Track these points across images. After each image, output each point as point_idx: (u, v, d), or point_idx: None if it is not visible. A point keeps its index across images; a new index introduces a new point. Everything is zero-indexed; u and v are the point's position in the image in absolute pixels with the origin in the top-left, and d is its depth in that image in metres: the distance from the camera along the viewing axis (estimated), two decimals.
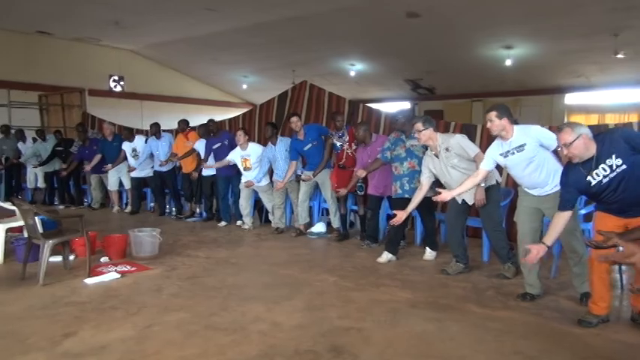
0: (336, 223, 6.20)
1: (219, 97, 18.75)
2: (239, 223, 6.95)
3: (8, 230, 5.09)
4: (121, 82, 16.59)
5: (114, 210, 8.48)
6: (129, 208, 8.32)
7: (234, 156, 6.60)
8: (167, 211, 8.10)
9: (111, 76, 16.37)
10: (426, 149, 4.56)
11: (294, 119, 6.10)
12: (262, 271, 4.83)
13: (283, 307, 3.65)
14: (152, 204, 8.49)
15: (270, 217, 6.85)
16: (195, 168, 7.30)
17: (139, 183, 8.18)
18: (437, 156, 4.37)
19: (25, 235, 4.80)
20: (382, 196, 5.52)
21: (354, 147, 5.83)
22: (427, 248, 5.13)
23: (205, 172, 7.16)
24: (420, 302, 3.77)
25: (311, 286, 4.21)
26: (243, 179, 6.60)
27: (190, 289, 4.12)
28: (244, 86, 17.39)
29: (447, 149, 4.29)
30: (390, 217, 5.87)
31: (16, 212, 5.12)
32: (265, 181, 6.56)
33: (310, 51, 13.36)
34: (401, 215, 4.41)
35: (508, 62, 11.29)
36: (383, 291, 4.05)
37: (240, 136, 6.48)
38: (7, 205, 5.32)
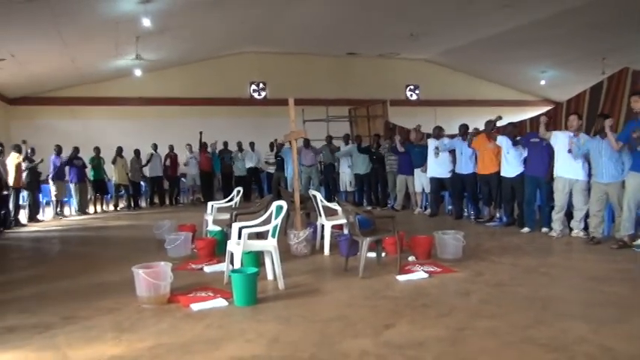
0: None
1: (513, 97, 17.92)
2: (545, 230, 6.44)
3: (333, 227, 5.90)
4: (416, 91, 17.55)
5: (415, 212, 9.00)
6: (428, 211, 8.68)
7: (560, 135, 6.22)
8: (465, 214, 8.11)
9: (407, 86, 17.51)
10: None
11: (634, 97, 5.40)
12: (578, 286, 4.34)
13: (613, 331, 3.16)
14: (450, 207, 8.63)
15: (573, 224, 6.18)
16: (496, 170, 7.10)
17: (437, 185, 8.42)
18: None
19: (346, 231, 5.48)
20: None
21: None
22: None
23: (507, 174, 6.89)
24: None
25: None
26: (561, 171, 6.12)
27: (499, 296, 3.98)
28: (542, 82, 16.18)
29: None
30: None
31: (339, 211, 5.92)
32: (584, 176, 5.98)
33: (624, 34, 11.51)
34: None
35: None
36: None
37: (574, 120, 6.13)
38: (332, 205, 6.17)
